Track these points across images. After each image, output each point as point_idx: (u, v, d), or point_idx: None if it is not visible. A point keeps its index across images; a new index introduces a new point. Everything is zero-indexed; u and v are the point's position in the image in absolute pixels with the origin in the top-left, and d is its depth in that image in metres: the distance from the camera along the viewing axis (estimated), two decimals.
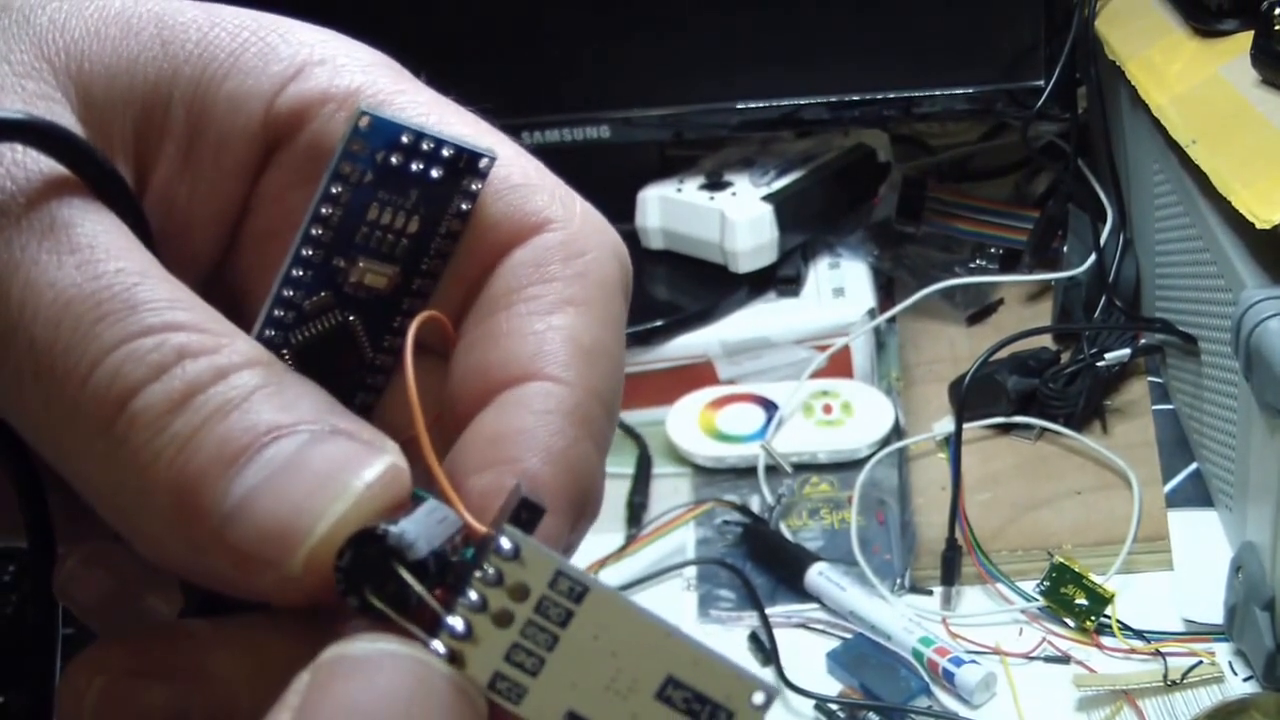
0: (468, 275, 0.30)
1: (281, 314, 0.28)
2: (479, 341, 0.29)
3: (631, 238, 0.99)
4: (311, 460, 0.26)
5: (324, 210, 0.27)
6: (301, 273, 0.27)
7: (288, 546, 0.25)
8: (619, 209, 0.99)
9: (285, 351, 0.28)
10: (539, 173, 0.31)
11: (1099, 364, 0.88)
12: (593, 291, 0.30)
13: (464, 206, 0.28)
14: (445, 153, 0.28)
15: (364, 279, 0.28)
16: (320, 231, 0.27)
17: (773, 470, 0.87)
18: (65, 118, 0.28)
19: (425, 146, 0.27)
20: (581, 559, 0.81)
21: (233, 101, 0.30)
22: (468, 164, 0.28)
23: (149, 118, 0.29)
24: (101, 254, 0.26)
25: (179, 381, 0.25)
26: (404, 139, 0.27)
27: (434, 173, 0.28)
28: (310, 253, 0.27)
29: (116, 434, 0.25)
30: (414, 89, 0.31)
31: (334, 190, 0.27)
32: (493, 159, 0.28)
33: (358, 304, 0.28)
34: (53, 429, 0.26)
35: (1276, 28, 0.76)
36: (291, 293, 0.28)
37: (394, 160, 0.27)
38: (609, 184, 1.01)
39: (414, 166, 0.27)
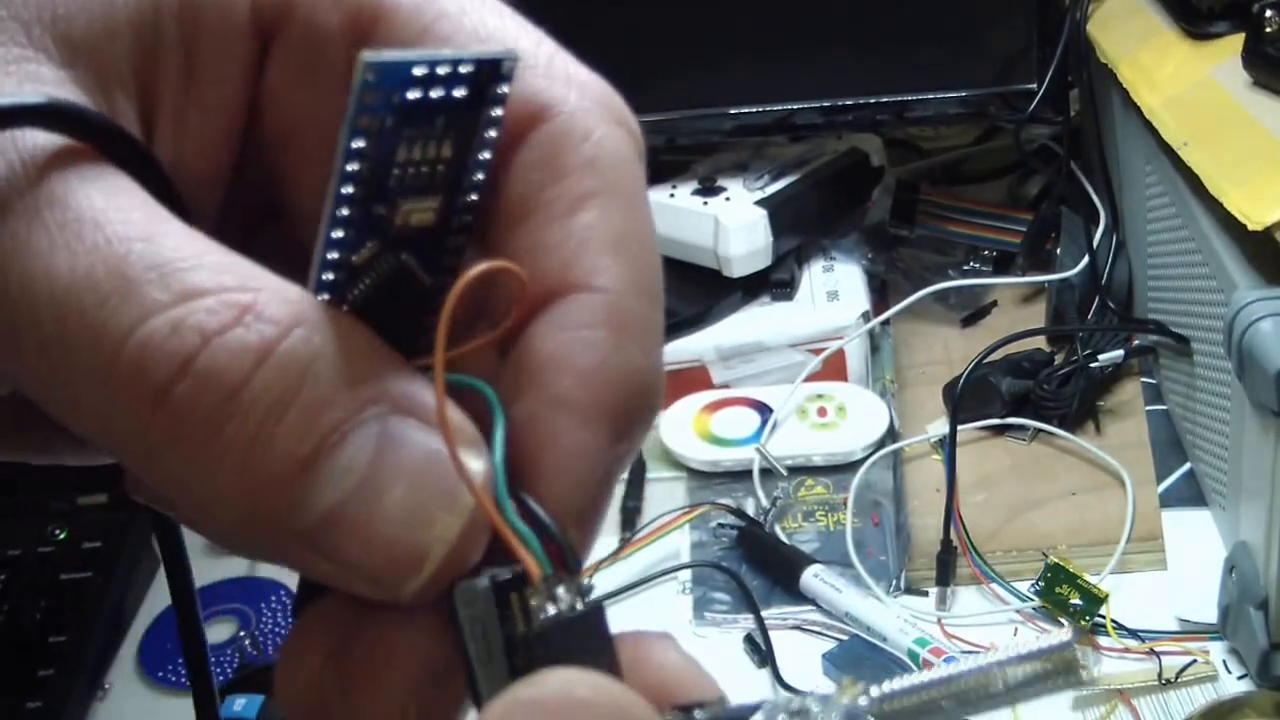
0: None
1: (332, 276, 0.26)
2: (525, 248, 0.27)
3: None
4: (397, 466, 0.24)
5: (350, 167, 0.25)
6: (343, 233, 0.25)
7: (398, 573, 0.24)
8: None
9: (345, 307, 0.26)
10: (524, 44, 0.29)
11: (1092, 365, 0.89)
12: (608, 175, 0.28)
13: (496, 113, 0.26)
14: (464, 69, 0.25)
15: (410, 220, 0.26)
16: (352, 189, 0.25)
17: (767, 473, 0.87)
18: (45, 74, 0.26)
19: (442, 71, 0.25)
20: None
21: (220, 3, 0.28)
22: (490, 73, 0.26)
23: (141, 46, 0.27)
24: (93, 223, 0.24)
25: (212, 380, 0.23)
26: (417, 72, 0.25)
27: (457, 93, 0.25)
28: (347, 212, 0.25)
29: (158, 442, 0.23)
30: None
31: (356, 145, 0.25)
32: (514, 59, 0.26)
33: (408, 242, 0.27)
34: (97, 434, 0.24)
35: (1267, 30, 0.77)
36: (337, 255, 0.26)
37: (413, 96, 0.25)
38: None
39: (435, 94, 0.25)
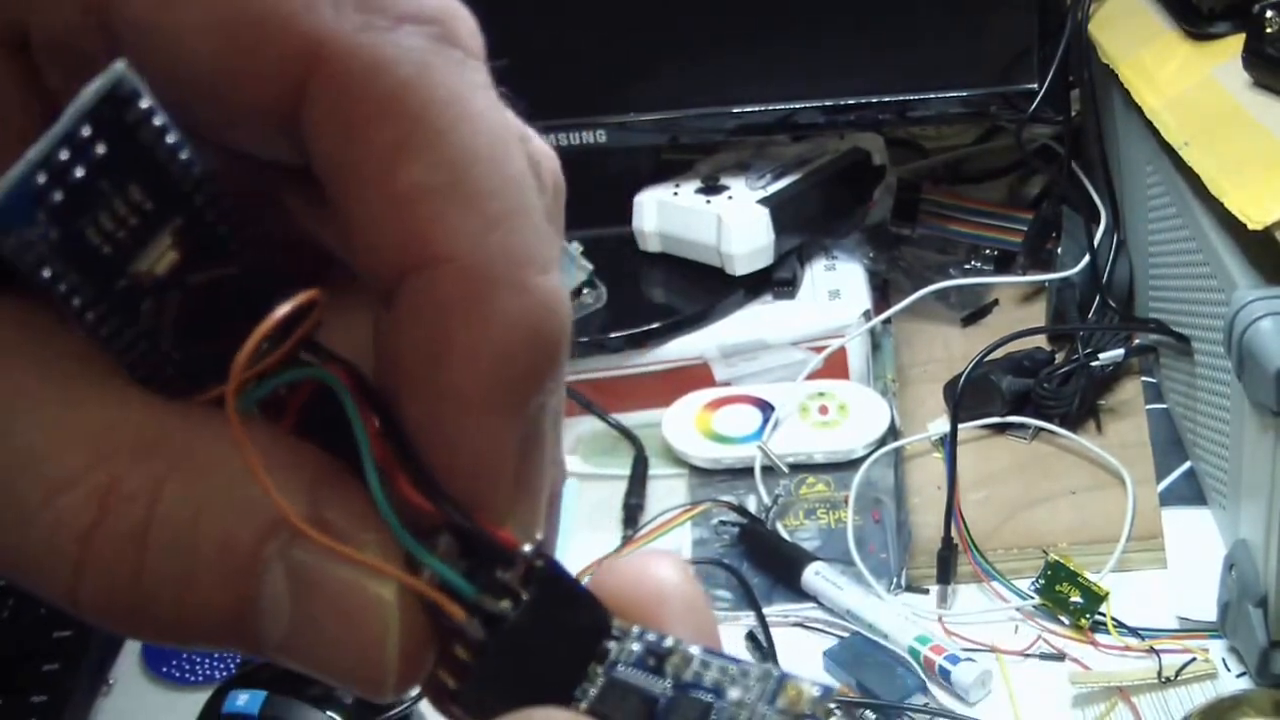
0: (274, 140, 0.24)
1: (139, 358, 0.23)
2: (354, 226, 0.24)
3: (629, 241, 1.00)
4: (317, 602, 0.23)
5: (61, 290, 0.22)
6: (110, 330, 0.22)
7: (369, 679, 0.24)
8: (616, 213, 1.00)
9: (176, 354, 0.23)
10: None
11: (1093, 364, 0.89)
12: (409, 103, 0.23)
13: (158, 121, 0.22)
14: (86, 131, 0.21)
15: (156, 269, 0.23)
16: (79, 301, 0.22)
17: (769, 471, 0.88)
18: None
19: (65, 155, 0.21)
20: (578, 561, 0.81)
21: None
22: (116, 105, 0.21)
23: None
24: None
25: (110, 580, 0.23)
26: (41, 180, 0.21)
27: (100, 150, 0.21)
28: (94, 316, 0.22)
29: (96, 618, 0.23)
30: None
31: (45, 276, 0.21)
32: (125, 70, 0.21)
33: (173, 278, 0.23)
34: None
35: (1268, 30, 0.77)
36: (123, 343, 0.23)
37: (57, 198, 0.21)
38: (606, 188, 1.02)
39: (78, 174, 0.21)
